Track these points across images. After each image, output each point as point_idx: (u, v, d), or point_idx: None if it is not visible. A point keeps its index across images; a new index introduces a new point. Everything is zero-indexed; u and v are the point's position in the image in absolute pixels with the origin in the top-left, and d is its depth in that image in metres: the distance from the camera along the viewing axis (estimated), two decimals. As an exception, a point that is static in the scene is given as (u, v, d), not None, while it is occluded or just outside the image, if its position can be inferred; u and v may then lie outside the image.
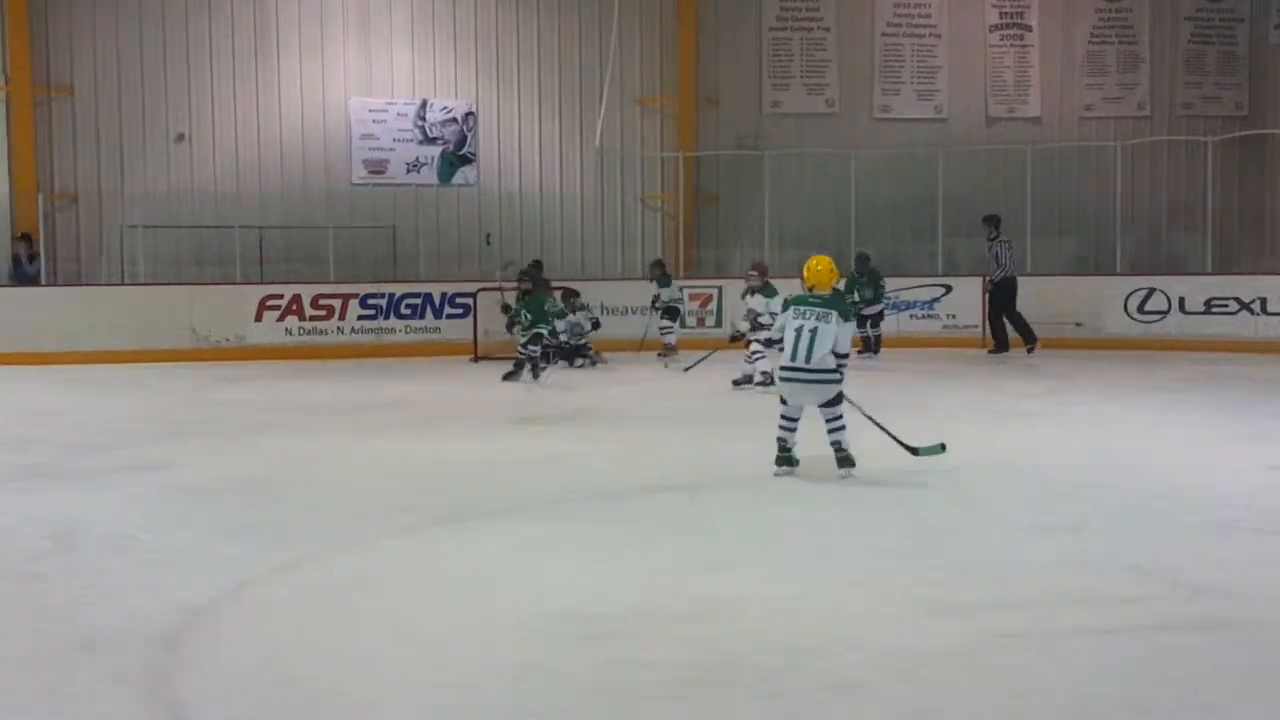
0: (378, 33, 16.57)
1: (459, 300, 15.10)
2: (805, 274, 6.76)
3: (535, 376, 11.77)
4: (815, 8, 17.71)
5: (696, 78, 17.57)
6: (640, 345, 14.34)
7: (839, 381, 6.40)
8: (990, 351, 13.96)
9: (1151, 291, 15.00)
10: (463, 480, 7.00)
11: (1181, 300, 14.70)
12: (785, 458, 6.51)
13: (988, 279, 14.41)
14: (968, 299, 15.58)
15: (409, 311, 15.36)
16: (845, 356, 6.48)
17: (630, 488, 6.77)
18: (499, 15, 16.89)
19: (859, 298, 13.48)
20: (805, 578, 4.76)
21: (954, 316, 15.80)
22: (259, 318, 14.85)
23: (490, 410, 10.29)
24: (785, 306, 6.74)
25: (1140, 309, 15.12)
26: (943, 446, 6.43)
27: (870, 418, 6.63)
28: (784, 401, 6.55)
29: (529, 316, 12.08)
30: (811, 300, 6.55)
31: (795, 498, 6.43)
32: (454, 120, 17.04)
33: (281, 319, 14.92)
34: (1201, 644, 3.96)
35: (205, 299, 14.88)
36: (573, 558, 5.16)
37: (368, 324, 15.15)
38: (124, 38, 15.91)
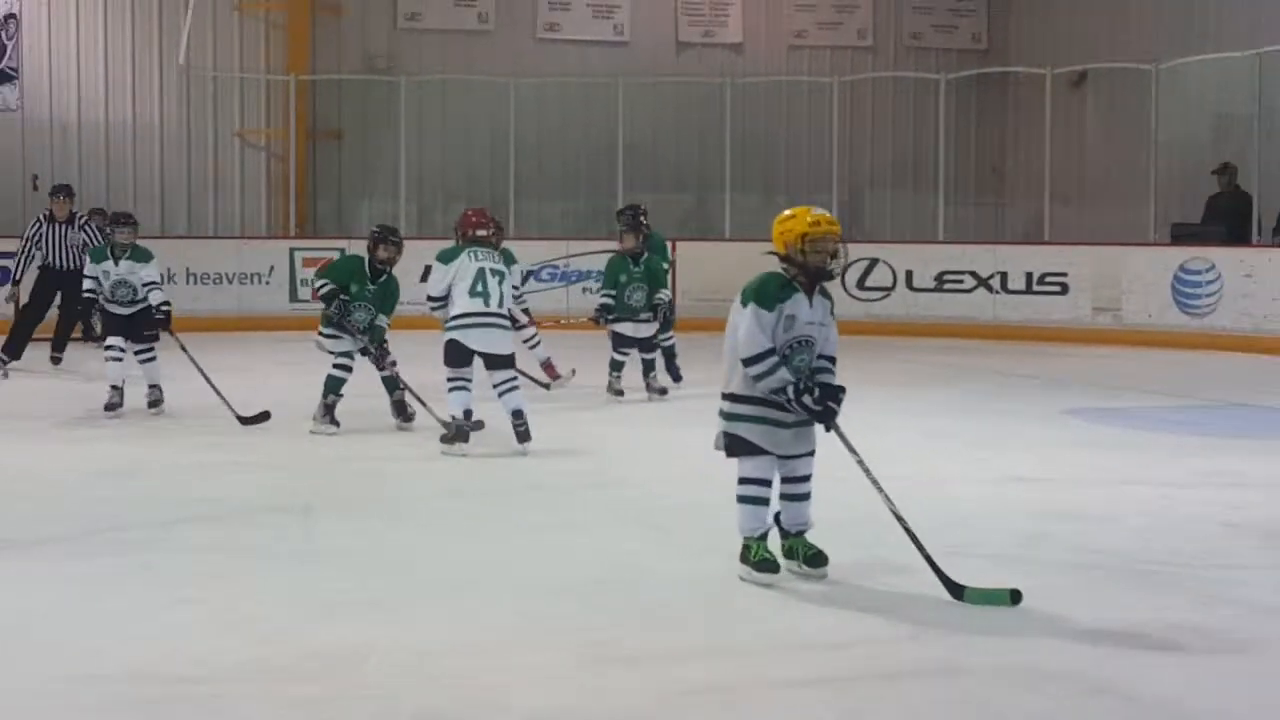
0: None
1: (-5, 264, 15.03)
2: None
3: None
4: (466, -114, 19.24)
5: (313, -24, 18.64)
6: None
7: None
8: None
9: (874, 263, 15.80)
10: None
11: (909, 274, 15.60)
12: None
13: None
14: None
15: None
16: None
17: (223, 508, 6.91)
18: (45, -125, 17.85)
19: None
20: (451, 624, 4.91)
21: (642, 289, 16.06)
22: None
23: (34, 406, 10.37)
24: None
25: (860, 284, 15.89)
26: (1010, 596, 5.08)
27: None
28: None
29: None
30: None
31: (440, 523, 6.62)
32: (-13, 25, 17.59)
33: None
34: (922, 693, 4.21)
35: None
36: (144, 602, 5.19)
37: None
38: None
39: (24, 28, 17.08)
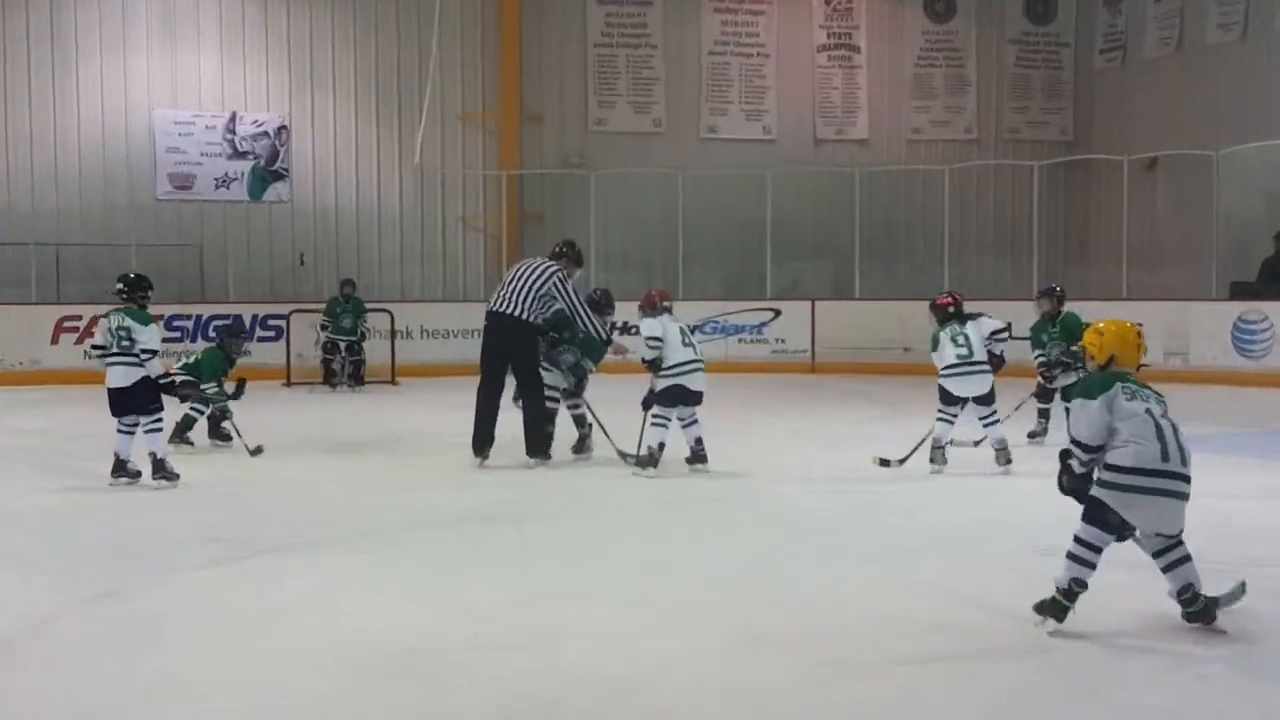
0: (184, 40, 18.93)
1: (271, 323, 17.34)
2: (1103, 343, 5.11)
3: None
4: (642, 23, 20.55)
5: (520, 93, 20.34)
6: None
7: None
8: None
9: (977, 316, 16.44)
10: (269, 509, 7.66)
11: (1009, 326, 15.58)
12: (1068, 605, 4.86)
13: None
14: (797, 324, 18.43)
15: (217, 335, 15.64)
16: None
17: (449, 516, 7.43)
18: (313, 23, 19.37)
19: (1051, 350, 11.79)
20: (625, 609, 5.23)
21: (783, 341, 18.52)
22: (55, 340, 16.80)
23: (304, 434, 11.39)
24: (1106, 386, 4.92)
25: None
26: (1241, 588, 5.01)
27: None
28: (1120, 530, 4.90)
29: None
30: (1132, 380, 4.97)
31: (629, 527, 7.15)
32: (266, 134, 19.46)
33: (80, 342, 16.66)
34: (1015, 673, 4.37)
35: (-2, 320, 16.48)
36: (385, 588, 5.62)
37: (173, 346, 16.41)
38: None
39: (292, 135, 19.37)
